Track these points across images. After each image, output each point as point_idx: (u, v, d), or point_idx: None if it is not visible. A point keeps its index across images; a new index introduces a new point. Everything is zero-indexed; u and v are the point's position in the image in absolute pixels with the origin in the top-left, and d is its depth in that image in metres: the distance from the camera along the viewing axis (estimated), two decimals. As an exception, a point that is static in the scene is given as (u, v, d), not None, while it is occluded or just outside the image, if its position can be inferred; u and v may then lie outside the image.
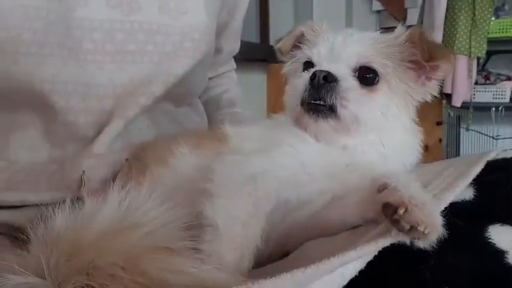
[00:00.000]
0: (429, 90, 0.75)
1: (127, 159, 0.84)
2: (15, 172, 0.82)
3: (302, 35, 0.80)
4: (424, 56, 0.69)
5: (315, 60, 0.74)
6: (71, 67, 0.82)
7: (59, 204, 0.55)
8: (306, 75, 0.70)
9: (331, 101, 0.67)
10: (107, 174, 0.82)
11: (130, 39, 0.88)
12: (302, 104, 0.70)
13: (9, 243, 0.78)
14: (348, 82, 0.69)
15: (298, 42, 0.80)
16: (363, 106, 0.68)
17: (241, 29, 1.21)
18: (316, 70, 0.69)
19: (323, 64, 0.72)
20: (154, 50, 0.90)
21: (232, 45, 1.22)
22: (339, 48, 0.72)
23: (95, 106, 0.85)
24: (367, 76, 0.70)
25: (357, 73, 0.70)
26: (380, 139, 0.71)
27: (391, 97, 0.71)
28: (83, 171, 0.80)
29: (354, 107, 0.68)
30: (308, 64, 0.75)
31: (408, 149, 0.74)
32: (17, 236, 0.78)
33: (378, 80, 0.70)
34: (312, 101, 0.68)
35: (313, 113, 0.69)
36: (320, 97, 0.68)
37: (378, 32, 0.77)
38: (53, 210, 0.54)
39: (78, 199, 0.60)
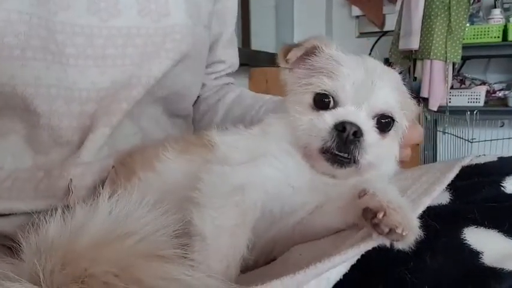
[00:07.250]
0: None
1: (113, 166, 0.83)
2: (1, 180, 0.81)
3: (314, 48, 0.75)
4: None
5: (338, 97, 0.70)
6: (54, 71, 0.82)
7: (48, 212, 0.55)
8: (329, 119, 0.68)
9: (356, 155, 0.67)
10: (95, 182, 0.82)
11: (109, 44, 0.88)
12: (323, 151, 0.68)
13: (-2, 251, 0.77)
14: (372, 136, 0.68)
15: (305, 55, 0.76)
16: (379, 154, 0.69)
17: (235, 43, 1.24)
18: (346, 123, 0.66)
19: (346, 105, 0.69)
20: (134, 52, 0.90)
21: (233, 58, 1.24)
22: (365, 92, 0.69)
23: (78, 110, 0.85)
24: (383, 122, 0.70)
25: (375, 119, 0.70)
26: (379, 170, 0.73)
27: (397, 138, 0.74)
28: (71, 179, 0.80)
29: (372, 157, 0.68)
30: (323, 96, 0.71)
31: (390, 163, 0.76)
32: (5, 244, 0.78)
33: (392, 126, 0.71)
34: (337, 152, 0.67)
35: (336, 164, 0.68)
36: (346, 150, 0.67)
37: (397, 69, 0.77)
38: (45, 218, 0.54)
39: (65, 207, 0.60)
